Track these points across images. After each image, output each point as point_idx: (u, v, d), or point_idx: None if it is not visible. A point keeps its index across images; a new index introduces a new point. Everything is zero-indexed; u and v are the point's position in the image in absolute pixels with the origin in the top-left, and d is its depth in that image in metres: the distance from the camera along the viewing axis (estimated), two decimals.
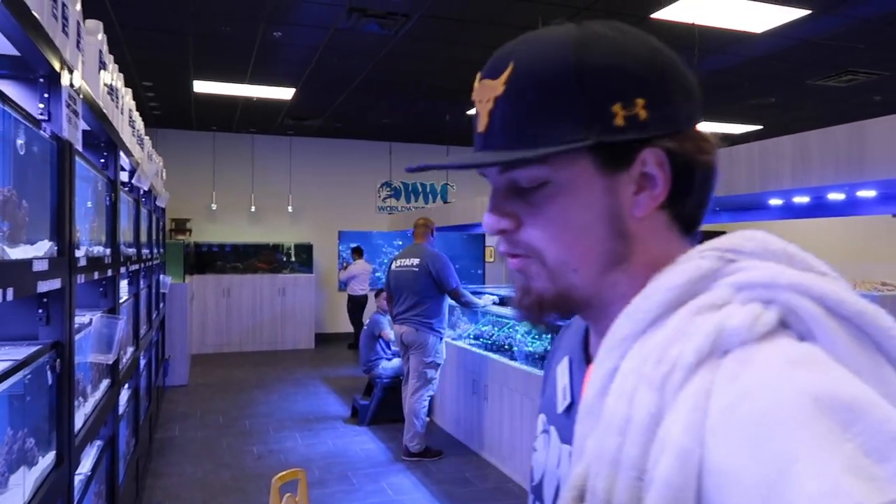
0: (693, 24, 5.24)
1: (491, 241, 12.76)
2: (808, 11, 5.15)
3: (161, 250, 6.43)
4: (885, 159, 2.06)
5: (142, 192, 4.37)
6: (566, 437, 0.67)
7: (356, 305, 9.86)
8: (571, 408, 0.68)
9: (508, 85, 0.59)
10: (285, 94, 7.90)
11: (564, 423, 0.68)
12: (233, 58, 6.54)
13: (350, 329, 10.12)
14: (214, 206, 10.33)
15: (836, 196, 3.54)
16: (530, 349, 4.44)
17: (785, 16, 5.25)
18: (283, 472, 2.69)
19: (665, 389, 0.50)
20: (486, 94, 0.61)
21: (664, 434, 0.49)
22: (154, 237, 5.75)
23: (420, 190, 11.65)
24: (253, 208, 10.57)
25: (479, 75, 0.63)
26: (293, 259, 10.61)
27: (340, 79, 7.31)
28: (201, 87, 7.58)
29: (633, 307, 0.57)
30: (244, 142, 10.55)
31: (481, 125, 0.62)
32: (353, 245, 10.37)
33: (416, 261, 4.79)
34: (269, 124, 9.89)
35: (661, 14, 5.21)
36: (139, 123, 4.06)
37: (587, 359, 0.69)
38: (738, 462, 0.44)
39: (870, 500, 0.39)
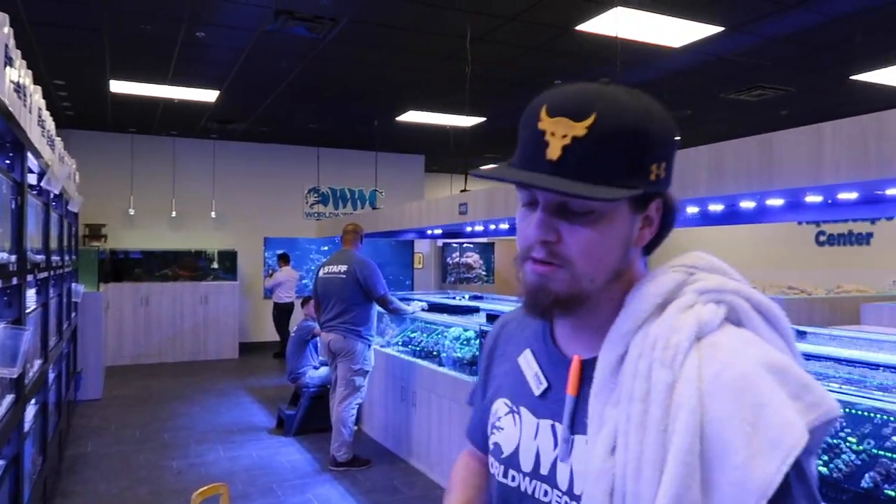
0: (616, 36, 5.42)
1: (420, 247, 12.77)
2: (722, 28, 5.41)
3: (73, 257, 6.10)
4: (791, 169, 2.18)
5: (52, 195, 4.14)
6: (542, 414, 0.87)
7: (282, 313, 9.65)
8: (548, 391, 0.87)
9: (591, 131, 0.75)
10: (209, 96, 7.67)
11: (540, 403, 0.88)
12: (153, 57, 6.30)
13: (276, 337, 9.89)
14: (132, 212, 9.90)
15: (747, 204, 3.73)
16: (458, 355, 4.46)
17: (701, 32, 5.50)
18: (204, 488, 2.59)
19: (674, 366, 0.72)
20: (563, 129, 0.76)
21: (678, 398, 0.71)
22: (66, 243, 5.45)
23: (348, 196, 11.54)
24: (174, 213, 10.19)
25: (548, 109, 0.77)
26: (216, 266, 10.29)
27: (267, 82, 7.16)
28: (119, 86, 7.27)
29: (633, 308, 0.78)
30: (165, 145, 10.17)
31: (553, 154, 0.76)
32: (280, 252, 10.16)
33: (343, 267, 4.73)
34: (192, 127, 9.58)
35: (585, 26, 5.36)
36: (49, 123, 3.85)
37: (560, 354, 0.88)
38: (728, 409, 0.69)
39: (801, 422, 0.67)
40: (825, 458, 2.20)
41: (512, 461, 0.90)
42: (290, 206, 11.06)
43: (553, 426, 0.85)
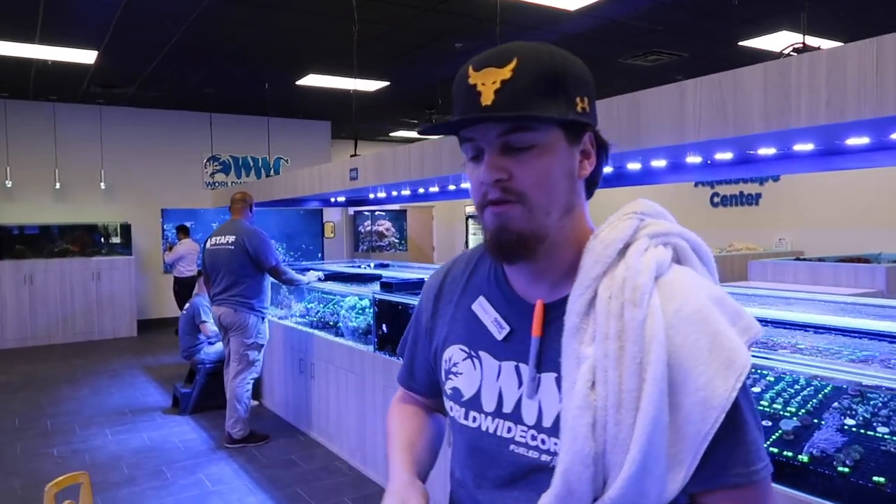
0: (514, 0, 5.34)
1: (330, 216, 12.49)
2: None
3: None
4: (656, 128, 2.18)
5: None
6: (504, 357, 0.93)
7: (184, 287, 9.20)
8: (512, 334, 0.93)
9: (515, 72, 0.83)
10: (86, 57, 7.10)
11: (501, 346, 0.93)
12: (14, 13, 5.74)
13: (178, 313, 9.45)
14: (9, 184, 9.15)
15: (633, 166, 3.77)
16: (353, 325, 4.36)
17: None
18: (59, 478, 2.41)
19: (643, 304, 0.80)
20: (491, 77, 0.83)
21: (649, 332, 0.79)
22: None
23: (251, 164, 11.10)
24: (58, 185, 9.49)
25: (473, 65, 0.86)
26: (109, 240, 9.71)
27: (149, 42, 6.69)
28: None
29: (598, 254, 0.85)
30: (43, 111, 9.40)
31: (487, 100, 0.83)
32: (178, 224, 9.67)
33: (231, 238, 4.51)
34: (74, 92, 8.89)
35: None
36: None
37: (517, 297, 0.93)
38: (690, 338, 0.79)
39: (744, 344, 0.81)
40: None
41: (474, 403, 0.95)
42: (189, 176, 10.53)
43: (517, 367, 0.91)
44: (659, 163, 3.44)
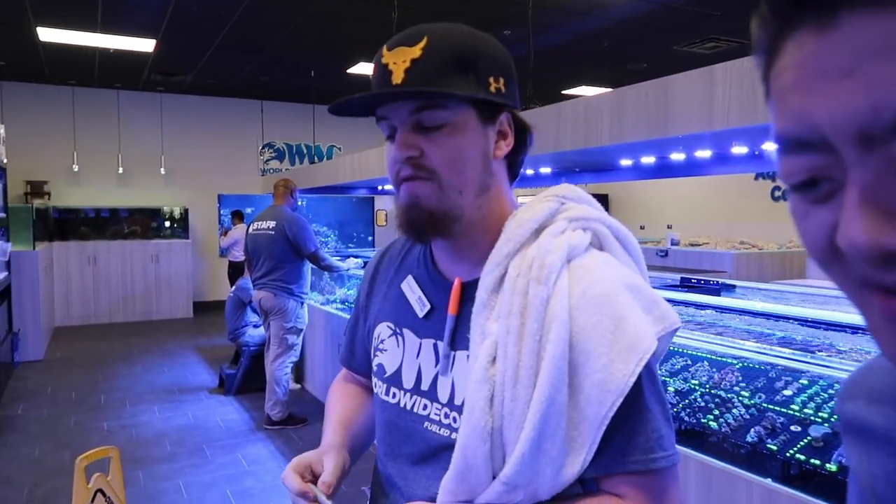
0: None
1: (383, 205, 12.59)
2: None
3: (1, 215, 5.87)
4: (685, 115, 2.08)
5: None
6: (425, 334, 0.93)
7: (237, 271, 9.43)
8: (432, 312, 0.93)
9: (425, 51, 0.82)
10: (145, 45, 7.33)
11: (423, 324, 0.94)
12: (76, 3, 5.96)
13: None
14: (76, 168, 9.56)
15: (677, 156, 3.63)
16: None
17: None
18: (90, 452, 2.49)
19: (549, 284, 0.80)
20: (402, 56, 0.83)
21: (551, 311, 0.79)
22: None
23: (305, 152, 11.27)
24: (121, 170, 9.87)
25: (387, 45, 0.85)
26: (167, 224, 10.04)
27: (204, 31, 6.85)
28: (47, 35, 6.89)
29: (512, 232, 0.85)
30: (108, 98, 9.77)
31: (397, 78, 0.83)
32: (234, 210, 9.91)
33: (272, 224, 4.58)
34: (135, 80, 9.21)
35: None
36: None
37: (442, 277, 0.94)
38: (593, 320, 0.79)
39: (651, 332, 0.80)
40: (716, 412, 2.16)
41: (394, 380, 0.96)
42: (244, 163, 10.77)
43: (435, 344, 0.92)
44: (704, 153, 3.31)
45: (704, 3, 5.90)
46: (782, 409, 2.04)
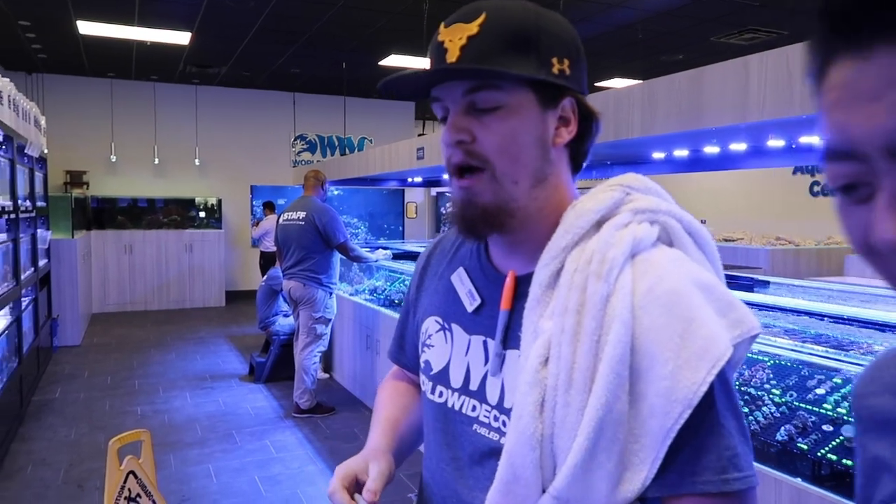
0: None
1: (413, 197, 12.61)
2: None
3: (40, 204, 6.02)
4: (718, 107, 2.04)
5: (0, 139, 4.03)
6: (474, 330, 0.87)
7: (268, 261, 9.56)
8: (482, 307, 0.87)
9: (483, 28, 0.77)
10: (181, 38, 7.44)
11: (472, 319, 0.88)
12: None
13: None
14: (114, 158, 9.77)
15: (711, 149, 3.57)
16: None
17: None
18: (122, 434, 2.55)
19: (609, 279, 0.73)
20: (458, 33, 0.78)
21: (611, 310, 0.72)
22: (26, 189, 5.36)
23: (336, 143, 11.34)
24: (157, 161, 10.06)
25: (445, 23, 0.81)
26: (201, 214, 10.20)
27: (238, 23, 6.92)
28: (87, 28, 7.04)
29: (571, 224, 0.78)
30: (145, 90, 9.96)
31: (452, 56, 0.78)
32: (265, 201, 10.04)
33: (302, 214, 4.62)
34: (171, 72, 9.36)
35: None
36: None
37: (494, 268, 0.88)
38: (660, 321, 0.71)
39: (726, 337, 0.71)
40: (746, 410, 2.12)
41: (441, 378, 0.91)
42: (277, 154, 10.89)
43: (485, 342, 0.86)
44: (739, 146, 3.24)
45: None
46: (814, 408, 2.00)
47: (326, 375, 5.77)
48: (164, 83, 10.02)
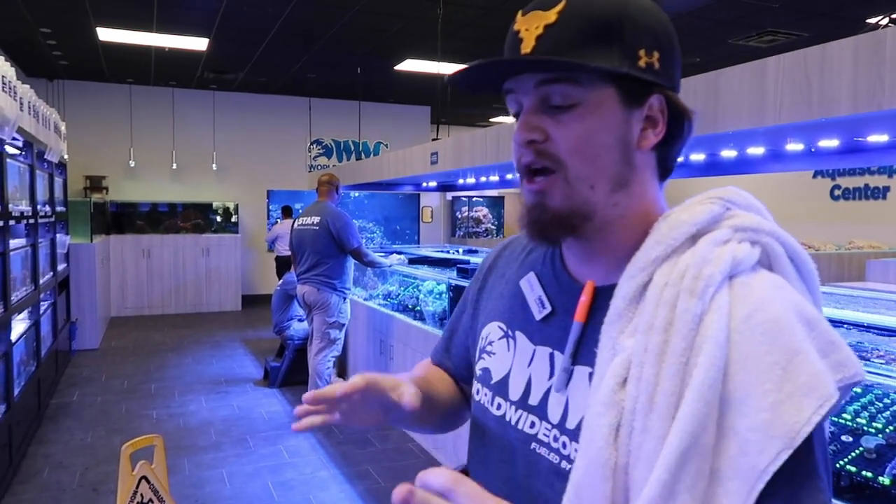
0: None
1: (428, 201, 12.61)
2: None
3: (59, 209, 6.09)
4: (735, 111, 2.00)
5: (20, 145, 4.08)
6: (540, 341, 0.81)
7: (282, 266, 9.60)
8: (552, 316, 0.81)
9: (561, 16, 0.71)
10: (199, 44, 7.51)
11: (539, 328, 0.81)
12: (133, 3, 6.14)
13: None
14: (133, 163, 9.88)
15: (728, 153, 3.52)
16: (431, 309, 4.37)
17: None
18: (135, 440, 2.56)
19: (704, 298, 0.65)
20: (535, 21, 0.72)
21: (704, 330, 0.64)
22: (46, 194, 5.43)
23: (352, 148, 11.38)
24: (174, 165, 10.15)
25: (522, 11, 0.75)
26: (218, 219, 10.27)
27: (255, 29, 6.97)
28: (106, 35, 7.13)
29: (663, 234, 0.71)
30: (164, 96, 10.06)
31: (527, 46, 0.72)
32: (283, 205, 10.09)
33: (316, 219, 4.62)
34: (189, 78, 9.45)
35: None
36: (6, 69, 3.74)
37: (569, 276, 0.81)
38: (760, 350, 0.62)
39: (831, 378, 0.62)
40: None
41: (501, 388, 0.84)
42: (293, 159, 10.94)
43: (552, 354, 0.79)
44: (756, 150, 3.19)
45: None
46: (832, 418, 1.95)
47: (340, 380, 5.75)
48: (182, 89, 10.11)
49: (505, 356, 0.85)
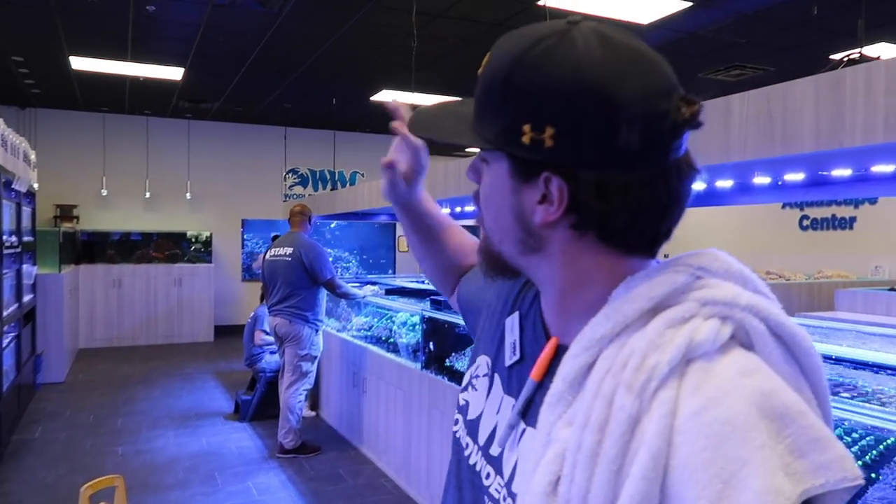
0: (579, 12, 5.21)
1: (402, 230, 12.59)
2: (690, 3, 5.22)
3: (27, 238, 5.97)
4: (703, 146, 2.02)
5: None
6: (508, 390, 0.76)
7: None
8: (519, 365, 0.75)
9: (482, 71, 0.67)
10: (174, 73, 7.48)
11: (508, 376, 0.76)
12: (108, 33, 6.11)
13: None
14: (105, 192, 9.74)
15: (697, 186, 3.56)
16: (404, 341, 4.33)
17: (669, 6, 5.31)
18: (94, 481, 2.47)
19: (643, 396, 0.57)
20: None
21: (640, 435, 0.56)
22: (13, 224, 5.32)
23: (328, 177, 11.36)
24: (148, 194, 10.03)
25: None
26: (192, 248, 10.15)
27: (230, 59, 6.97)
28: (80, 63, 7.08)
29: (613, 310, 0.62)
30: (138, 124, 9.98)
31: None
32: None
33: (289, 250, 4.58)
34: (164, 107, 9.39)
35: (548, 1, 5.17)
36: None
37: (544, 327, 0.74)
38: (701, 456, 0.53)
39: (791, 492, 0.51)
40: None
41: (473, 429, 0.80)
42: (269, 188, 10.88)
43: (515, 406, 0.73)
44: (724, 183, 3.24)
45: (731, 31, 5.86)
46: None
47: (313, 413, 5.67)
48: (157, 117, 10.05)
49: (482, 396, 0.81)
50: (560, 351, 0.69)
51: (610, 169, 0.61)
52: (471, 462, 0.79)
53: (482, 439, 0.78)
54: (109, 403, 6.12)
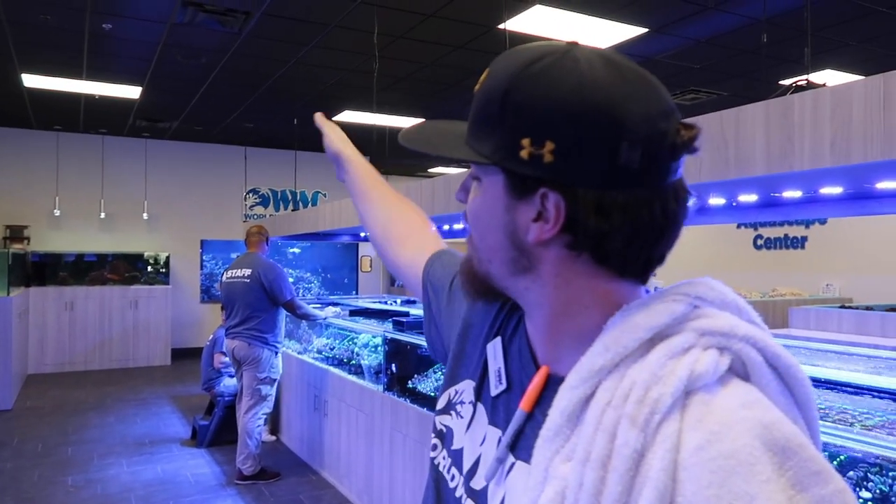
0: (539, 36, 5.31)
1: (367, 251, 12.54)
2: (646, 29, 5.35)
3: None
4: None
5: None
6: (494, 420, 0.72)
7: None
8: (506, 394, 0.72)
9: (479, 88, 0.67)
10: (131, 92, 7.35)
11: (493, 406, 0.73)
12: (62, 50, 5.99)
13: None
14: (58, 212, 9.47)
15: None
16: (367, 362, 4.28)
17: (625, 33, 5.43)
18: None
19: (647, 429, 0.55)
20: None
21: (646, 470, 0.54)
22: None
23: (290, 198, 11.26)
24: (103, 215, 9.79)
25: None
26: (149, 269, 9.92)
27: (189, 78, 6.88)
28: (32, 81, 6.90)
29: (612, 340, 0.60)
30: (93, 143, 9.76)
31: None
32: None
33: (248, 271, 4.51)
34: (121, 126, 9.21)
35: (509, 25, 5.25)
36: None
37: (531, 354, 0.71)
38: (708, 494, 0.52)
39: None
40: None
41: (457, 459, 0.77)
42: (229, 208, 10.73)
43: (500, 439, 0.69)
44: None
45: (685, 57, 6.02)
46: None
47: (273, 438, 5.55)
48: (112, 136, 9.85)
49: (464, 423, 0.77)
50: (551, 380, 0.67)
51: (609, 187, 0.60)
52: (457, 495, 0.75)
53: (466, 468, 0.75)
54: (59, 431, 5.89)
